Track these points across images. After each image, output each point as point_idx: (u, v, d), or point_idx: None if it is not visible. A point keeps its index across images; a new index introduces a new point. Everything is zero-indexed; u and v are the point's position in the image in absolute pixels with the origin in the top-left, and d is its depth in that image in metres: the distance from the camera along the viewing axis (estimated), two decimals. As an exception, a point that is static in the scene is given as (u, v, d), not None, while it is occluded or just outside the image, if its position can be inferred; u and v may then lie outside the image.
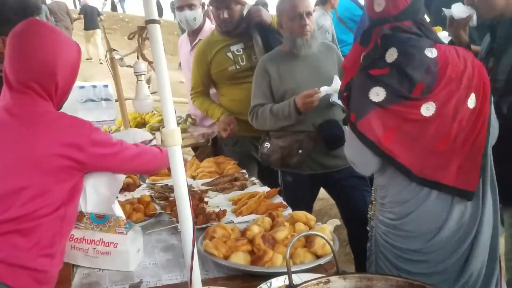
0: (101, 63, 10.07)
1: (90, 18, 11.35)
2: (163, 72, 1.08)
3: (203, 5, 3.03)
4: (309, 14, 2.15)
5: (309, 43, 2.16)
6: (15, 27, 1.28)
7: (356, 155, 1.46)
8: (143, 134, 2.02)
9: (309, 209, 2.37)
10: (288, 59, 2.23)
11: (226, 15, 2.50)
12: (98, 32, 11.09)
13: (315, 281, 0.91)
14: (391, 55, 1.37)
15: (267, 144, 2.32)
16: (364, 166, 1.46)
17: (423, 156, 1.36)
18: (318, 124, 2.19)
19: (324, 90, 2.09)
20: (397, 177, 1.40)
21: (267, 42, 2.52)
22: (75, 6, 16.20)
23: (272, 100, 2.27)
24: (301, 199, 2.24)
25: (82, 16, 11.38)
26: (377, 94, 1.35)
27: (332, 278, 0.91)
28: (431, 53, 1.37)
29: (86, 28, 11.38)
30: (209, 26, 3.02)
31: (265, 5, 6.23)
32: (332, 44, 2.47)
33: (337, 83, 2.07)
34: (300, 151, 2.20)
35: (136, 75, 1.29)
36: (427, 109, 1.34)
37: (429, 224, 1.39)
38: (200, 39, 2.84)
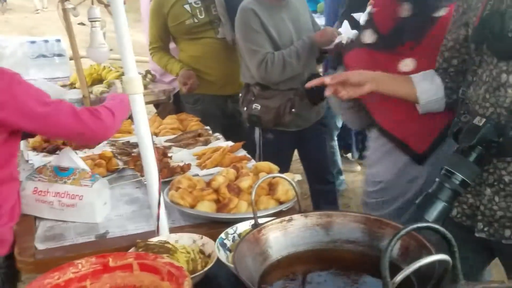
0: (39, 12, 9.61)
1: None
2: (120, 17, 1.04)
3: None
4: None
5: None
6: None
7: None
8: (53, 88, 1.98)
9: (288, 166, 2.43)
10: (270, 7, 2.17)
11: None
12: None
13: (278, 220, 0.95)
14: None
15: (256, 105, 2.27)
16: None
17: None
18: (305, 80, 2.18)
19: (342, 36, 2.02)
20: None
21: None
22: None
23: (274, 45, 2.15)
24: (282, 156, 2.26)
25: None
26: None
27: (295, 216, 0.95)
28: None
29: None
30: None
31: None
32: None
33: (348, 28, 2.01)
34: (293, 109, 2.22)
35: (90, 21, 1.23)
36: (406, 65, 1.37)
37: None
38: None
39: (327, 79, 1.30)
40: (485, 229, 1.16)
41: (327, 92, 1.30)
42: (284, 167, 1.71)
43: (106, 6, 1.06)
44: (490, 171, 1.12)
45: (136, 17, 3.17)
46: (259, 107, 2.26)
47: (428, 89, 1.29)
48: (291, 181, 1.06)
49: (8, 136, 1.25)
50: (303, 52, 2.13)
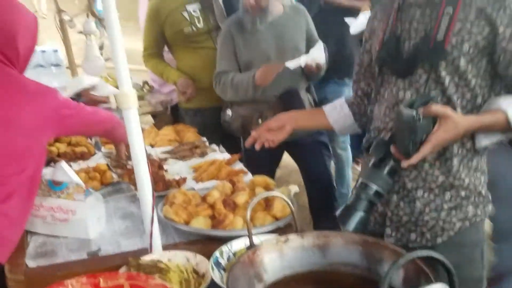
0: (44, 18, 9.76)
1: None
2: (115, 30, 1.02)
3: None
4: None
5: (262, 18, 2.12)
6: None
7: None
8: (86, 80, 2.03)
9: (272, 176, 2.40)
10: (251, 23, 2.16)
11: None
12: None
13: (274, 240, 0.93)
14: None
15: (229, 111, 2.31)
16: None
17: None
18: (279, 93, 2.19)
19: (292, 65, 2.05)
20: None
21: (229, 3, 2.40)
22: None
23: (237, 67, 2.23)
24: (263, 166, 2.25)
25: None
26: None
27: (291, 236, 0.93)
28: None
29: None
30: None
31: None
32: (300, 6, 2.36)
33: (318, 50, 2.05)
34: (259, 120, 2.21)
35: (86, 35, 1.22)
36: None
37: None
38: None
39: (253, 133, 1.43)
40: (393, 234, 1.25)
41: (257, 147, 1.42)
42: (266, 175, 1.69)
43: (101, 20, 1.05)
44: (396, 179, 1.18)
45: (138, 26, 3.16)
46: (230, 114, 2.28)
47: (338, 118, 1.44)
48: (286, 199, 1.04)
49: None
50: (241, 85, 2.17)
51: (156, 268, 1.07)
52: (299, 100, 2.20)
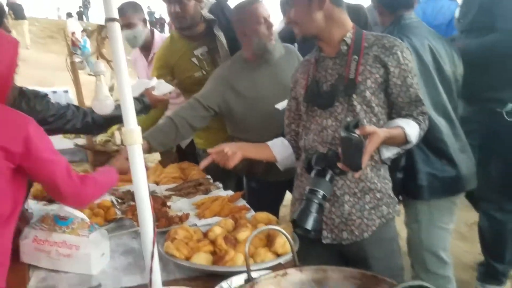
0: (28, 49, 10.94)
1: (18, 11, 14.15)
2: (122, 70, 1.08)
3: (144, 21, 2.87)
4: (269, 17, 2.11)
5: (274, 47, 2.12)
6: None
7: None
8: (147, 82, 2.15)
9: (275, 215, 2.37)
10: (249, 67, 2.16)
11: (178, 9, 2.35)
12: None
13: (273, 274, 0.93)
14: None
15: None
16: None
17: None
18: (275, 135, 2.18)
19: (281, 106, 2.06)
20: None
21: (233, 43, 2.36)
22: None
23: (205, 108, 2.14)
24: (266, 205, 2.24)
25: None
26: None
27: (289, 270, 0.94)
28: None
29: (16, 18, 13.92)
30: (160, 37, 2.95)
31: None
32: (291, 46, 2.39)
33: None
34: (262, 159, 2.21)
35: (95, 75, 1.28)
36: None
37: None
38: (154, 53, 2.74)
39: (211, 150, 1.67)
40: (329, 235, 1.56)
41: (202, 165, 1.70)
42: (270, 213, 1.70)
43: (109, 61, 1.11)
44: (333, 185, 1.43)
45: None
46: None
47: (280, 149, 1.74)
48: (286, 234, 1.05)
49: (13, 174, 1.22)
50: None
51: (155, 304, 1.06)
52: None
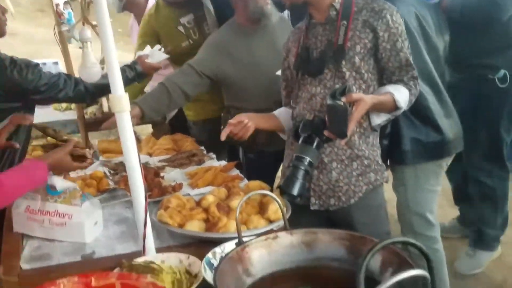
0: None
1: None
2: (108, 36, 1.05)
3: None
4: None
5: (271, 11, 2.05)
6: None
7: None
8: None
9: (270, 184, 2.38)
10: (245, 33, 2.11)
11: None
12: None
13: (263, 237, 0.94)
14: None
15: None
16: None
17: None
18: (273, 102, 2.16)
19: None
20: None
21: (220, 10, 2.31)
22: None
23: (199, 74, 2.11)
24: (263, 175, 2.23)
25: None
26: None
27: (280, 233, 0.94)
28: None
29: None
30: (153, 3, 2.84)
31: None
32: (283, 15, 2.34)
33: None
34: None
35: (82, 42, 1.25)
36: None
37: None
38: None
39: (231, 121, 1.61)
40: (316, 202, 1.59)
41: (222, 137, 1.59)
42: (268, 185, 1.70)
43: (94, 26, 1.08)
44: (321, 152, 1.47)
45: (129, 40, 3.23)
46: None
47: (286, 117, 1.71)
48: (277, 198, 1.05)
49: None
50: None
51: (149, 269, 1.08)
52: None
